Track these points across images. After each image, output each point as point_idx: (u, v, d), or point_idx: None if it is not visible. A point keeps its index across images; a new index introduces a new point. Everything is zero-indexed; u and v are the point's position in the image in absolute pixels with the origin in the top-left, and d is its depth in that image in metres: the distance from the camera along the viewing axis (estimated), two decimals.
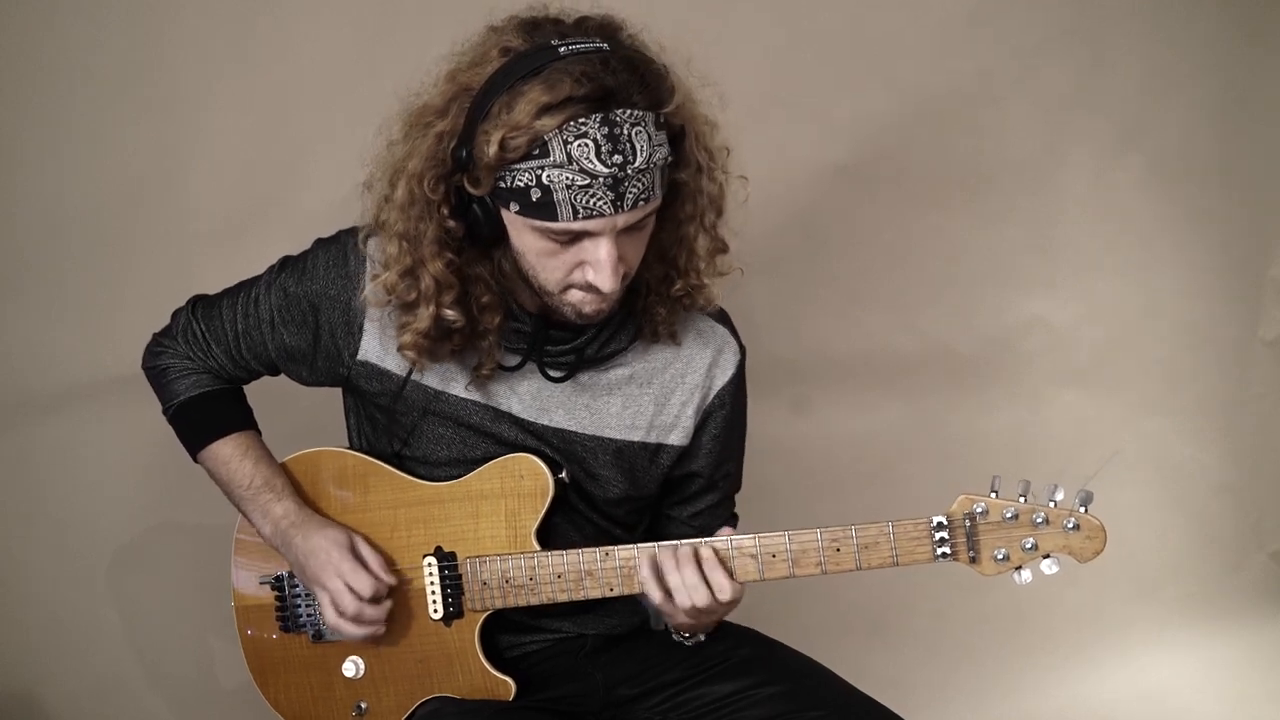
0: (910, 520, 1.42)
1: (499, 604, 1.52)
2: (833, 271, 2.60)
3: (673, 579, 1.43)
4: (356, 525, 1.57)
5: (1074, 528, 1.39)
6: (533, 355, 1.49)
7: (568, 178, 1.27)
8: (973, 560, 1.42)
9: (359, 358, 1.52)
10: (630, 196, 1.29)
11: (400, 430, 1.55)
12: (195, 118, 2.21)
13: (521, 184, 1.29)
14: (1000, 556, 1.40)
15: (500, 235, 1.37)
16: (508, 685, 1.53)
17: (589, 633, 1.62)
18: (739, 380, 1.60)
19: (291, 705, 1.61)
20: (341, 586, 1.48)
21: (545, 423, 1.53)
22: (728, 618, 1.63)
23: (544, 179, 1.27)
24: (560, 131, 1.25)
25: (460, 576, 1.53)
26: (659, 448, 1.57)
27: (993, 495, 1.41)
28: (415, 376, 1.51)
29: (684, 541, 1.46)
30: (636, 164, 1.27)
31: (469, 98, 1.31)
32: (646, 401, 1.55)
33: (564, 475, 1.53)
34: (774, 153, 2.43)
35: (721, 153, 1.43)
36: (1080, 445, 2.66)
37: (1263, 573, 2.85)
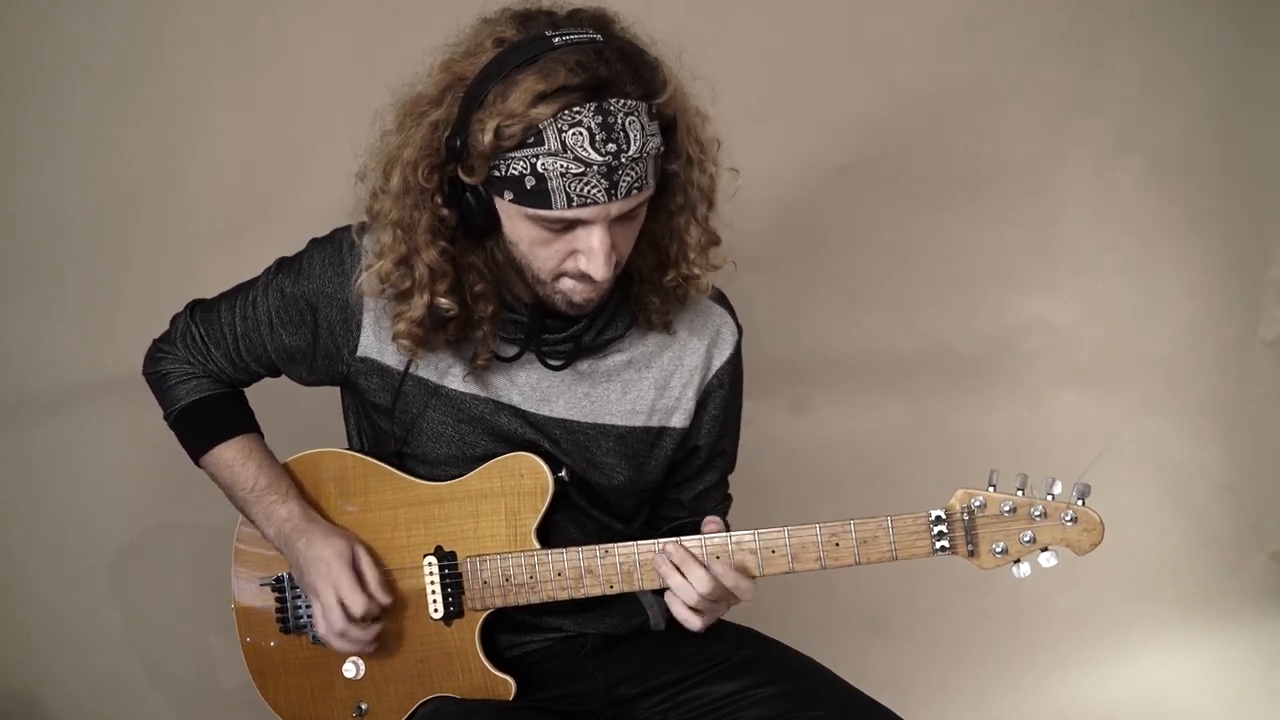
0: (909, 515, 1.42)
1: (499, 603, 1.52)
2: (833, 271, 2.60)
3: (674, 580, 1.44)
4: (357, 525, 1.57)
5: (1072, 520, 1.40)
6: (530, 345, 1.50)
7: (562, 166, 1.28)
8: (971, 554, 1.42)
9: (358, 354, 1.53)
10: (624, 185, 1.30)
11: (399, 428, 1.55)
12: (195, 118, 2.21)
13: (516, 172, 1.30)
14: (999, 550, 1.41)
15: (493, 224, 1.38)
16: (508, 684, 1.53)
17: (589, 632, 1.62)
18: (736, 360, 1.61)
19: (291, 707, 1.61)
20: (334, 601, 1.48)
21: (546, 413, 1.53)
22: (727, 617, 1.63)
23: (538, 167, 1.28)
24: (555, 120, 1.26)
25: (460, 576, 1.53)
26: (661, 431, 1.57)
27: (991, 489, 1.42)
28: (412, 370, 1.51)
29: (688, 539, 1.46)
30: (630, 153, 1.29)
31: (463, 87, 1.32)
32: (646, 386, 1.56)
33: (563, 474, 1.53)
34: (774, 153, 2.44)
35: (712, 145, 1.45)
36: (1080, 445, 2.66)
37: (1263, 573, 2.85)
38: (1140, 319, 2.74)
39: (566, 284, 1.40)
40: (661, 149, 1.35)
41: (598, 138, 1.27)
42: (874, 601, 2.66)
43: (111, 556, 2.32)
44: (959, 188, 2.60)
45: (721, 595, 1.44)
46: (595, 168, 1.28)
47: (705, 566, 1.43)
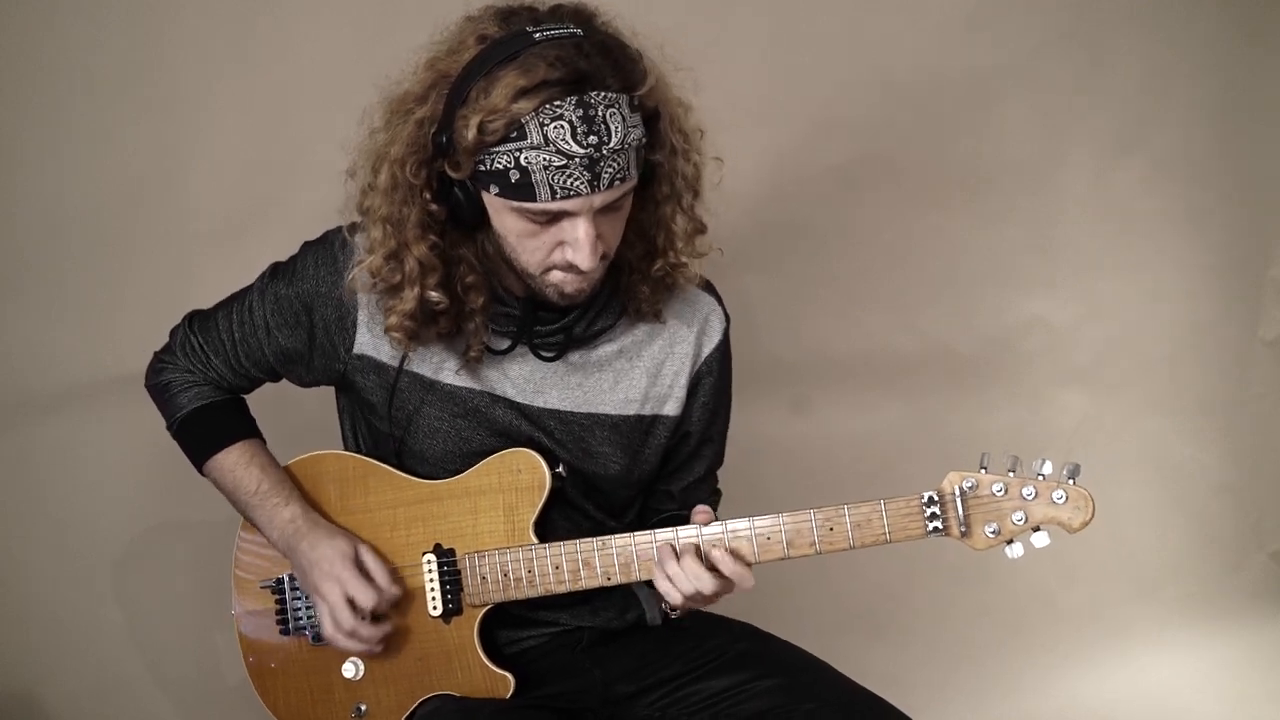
0: (902, 498, 1.43)
1: (498, 598, 1.52)
2: (833, 271, 2.60)
3: (671, 568, 1.44)
4: (358, 526, 1.58)
5: (1063, 499, 1.40)
6: (523, 338, 1.51)
7: (545, 159, 1.29)
8: (963, 535, 1.42)
9: (355, 351, 1.54)
10: (606, 176, 1.31)
11: (396, 426, 1.55)
12: (195, 118, 2.21)
13: (500, 166, 1.32)
14: (991, 531, 1.41)
15: (482, 218, 1.40)
16: (507, 681, 1.53)
17: (585, 625, 1.62)
18: (725, 347, 1.63)
19: (290, 709, 1.61)
20: (340, 599, 1.49)
21: (540, 404, 1.54)
22: (725, 612, 1.64)
23: (522, 160, 1.30)
24: (536, 114, 1.28)
25: (459, 573, 1.53)
26: (655, 419, 1.59)
27: (982, 471, 1.42)
28: (407, 366, 1.52)
29: (682, 531, 1.46)
30: (611, 144, 1.30)
31: (447, 84, 1.34)
32: (639, 375, 1.57)
33: (561, 470, 1.54)
34: (774, 153, 2.44)
35: (696, 134, 1.46)
36: (1080, 445, 2.67)
37: (1263, 573, 2.85)
38: (1140, 319, 2.74)
39: (556, 276, 1.42)
40: (644, 140, 1.37)
41: (579, 130, 1.28)
42: (874, 601, 2.66)
43: (111, 556, 2.32)
44: (959, 188, 2.60)
45: (721, 587, 1.44)
46: (577, 160, 1.29)
47: (703, 559, 1.44)
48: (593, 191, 1.32)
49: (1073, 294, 2.70)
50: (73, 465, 2.28)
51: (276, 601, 1.61)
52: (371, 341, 1.53)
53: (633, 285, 1.52)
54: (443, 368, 1.53)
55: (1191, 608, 2.76)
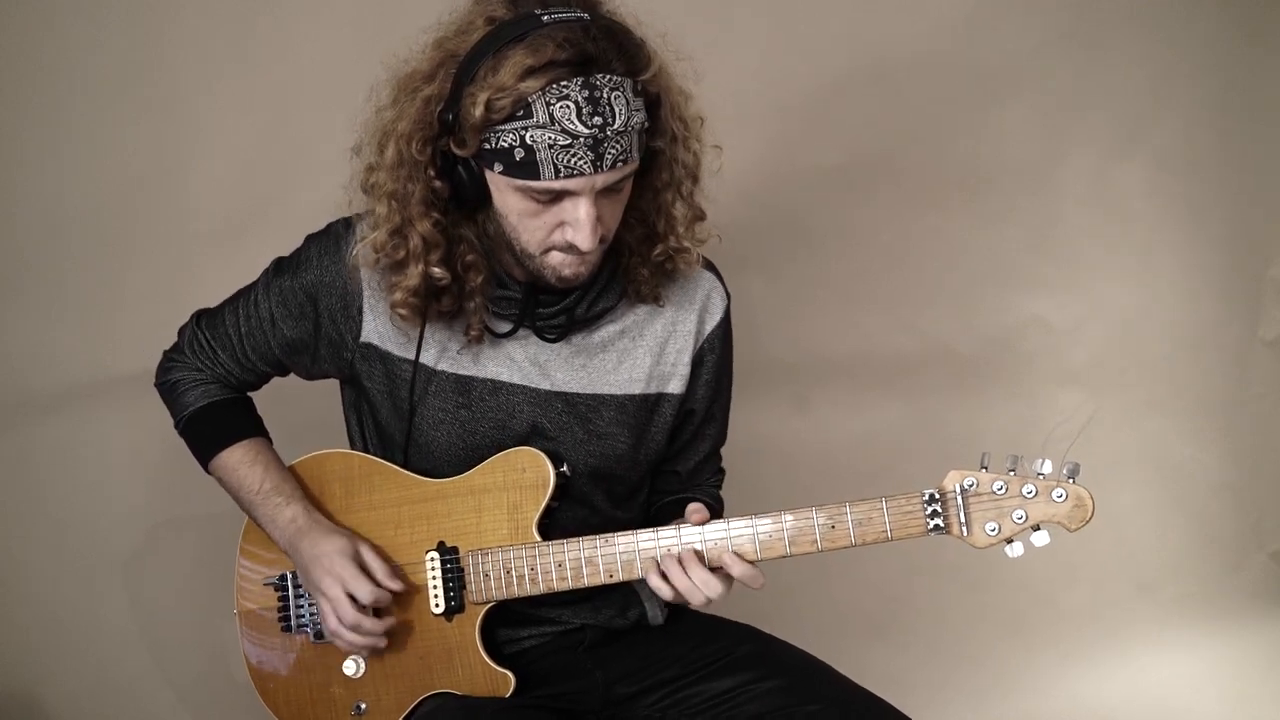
0: (903, 495, 1.43)
1: (500, 596, 1.52)
2: (832, 272, 2.60)
3: (681, 582, 1.45)
4: (362, 524, 1.58)
5: (1062, 498, 1.41)
6: (525, 320, 1.52)
7: (550, 137, 1.31)
8: (964, 533, 1.42)
9: (361, 339, 1.55)
10: (609, 157, 1.33)
11: (401, 418, 1.56)
12: (195, 118, 2.22)
13: (505, 144, 1.34)
14: (991, 529, 1.42)
15: (484, 197, 1.42)
16: (507, 679, 1.53)
17: (586, 624, 1.62)
18: (726, 325, 1.64)
19: (290, 707, 1.62)
20: (341, 594, 1.49)
21: (546, 387, 1.55)
22: (727, 615, 1.65)
23: (527, 139, 1.32)
24: (543, 93, 1.30)
25: (462, 570, 1.54)
26: (660, 397, 1.60)
27: (982, 470, 1.43)
28: (408, 355, 1.53)
29: (685, 532, 1.46)
30: (615, 126, 1.32)
31: (455, 63, 1.37)
32: (642, 353, 1.58)
33: (565, 468, 1.54)
34: (774, 153, 2.44)
35: (696, 122, 1.48)
36: (1080, 445, 2.66)
37: (1263, 573, 2.85)
38: (1140, 319, 2.74)
39: (555, 257, 1.43)
40: (646, 124, 1.39)
41: (584, 111, 1.31)
42: (874, 601, 2.66)
43: (111, 556, 2.33)
44: (958, 188, 2.60)
45: (731, 587, 1.45)
46: (582, 140, 1.31)
47: (707, 563, 1.45)
48: (596, 171, 1.34)
49: (1073, 294, 2.70)
50: (73, 465, 2.28)
51: (279, 599, 1.61)
52: (377, 330, 1.54)
53: (632, 268, 1.54)
54: (446, 356, 1.54)
55: (1191, 607, 2.76)
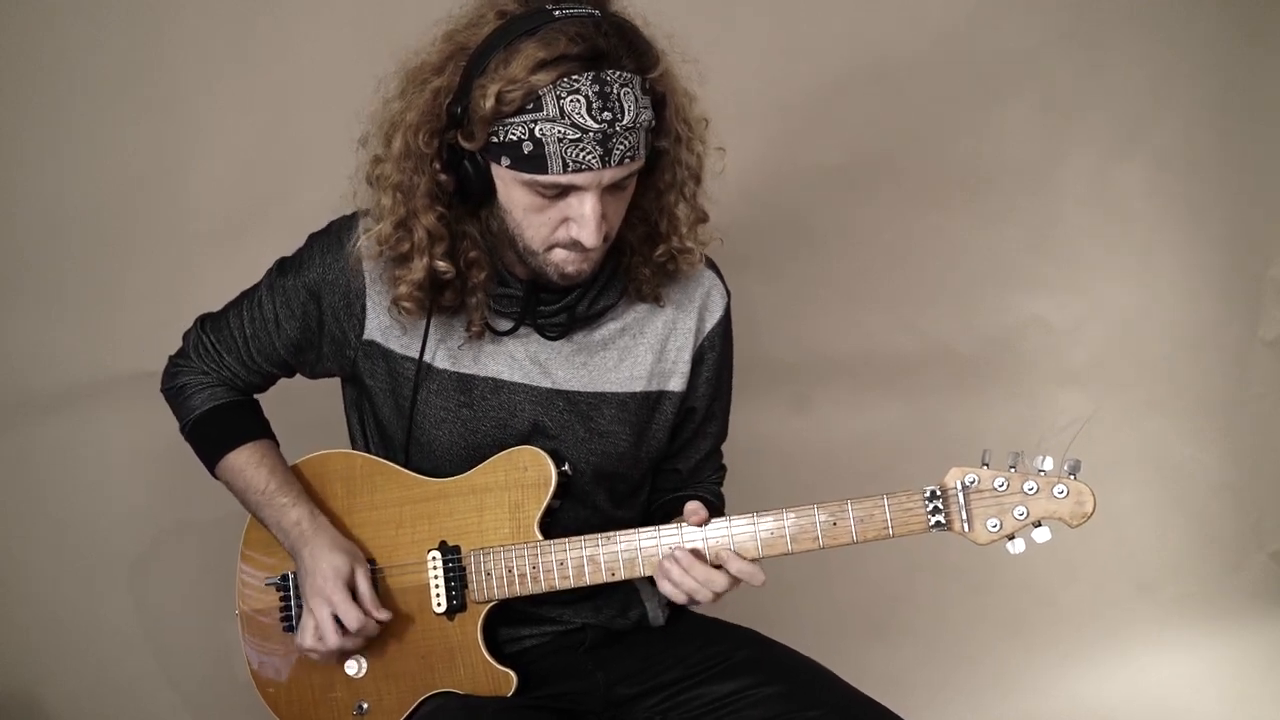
0: (904, 493, 1.44)
1: (502, 594, 1.52)
2: (833, 272, 2.60)
3: (685, 582, 1.45)
4: (364, 524, 1.58)
5: (1064, 494, 1.41)
6: (526, 318, 1.52)
7: (559, 131, 1.32)
8: (965, 530, 1.43)
9: (365, 337, 1.55)
10: (617, 153, 1.34)
11: (402, 416, 1.56)
12: (195, 118, 2.22)
13: (514, 137, 1.34)
14: (993, 526, 1.42)
15: (489, 192, 1.42)
16: (509, 678, 1.53)
17: (587, 624, 1.62)
18: (727, 322, 1.64)
19: (292, 707, 1.61)
20: (328, 616, 1.49)
21: (547, 386, 1.55)
22: (728, 618, 1.66)
23: (536, 132, 1.32)
24: (554, 87, 1.31)
25: (464, 569, 1.54)
26: (661, 395, 1.60)
27: (984, 467, 1.43)
28: (409, 353, 1.53)
29: (686, 531, 1.46)
30: (624, 122, 1.33)
31: (465, 56, 1.37)
32: (643, 351, 1.58)
33: (566, 467, 1.54)
34: (775, 153, 2.44)
35: (700, 124, 1.49)
36: (1081, 445, 2.66)
37: (1263, 573, 2.85)
38: (1140, 319, 2.74)
39: (558, 254, 1.43)
40: (653, 123, 1.39)
41: (594, 106, 1.31)
42: (874, 601, 2.66)
43: (112, 556, 2.32)
44: (959, 188, 2.60)
45: (731, 584, 1.45)
46: (591, 134, 1.31)
47: (709, 561, 1.45)
48: (604, 167, 1.34)
49: (1073, 294, 2.70)
50: (73, 465, 2.28)
51: (281, 599, 1.61)
52: (380, 328, 1.54)
53: (634, 267, 1.54)
54: (448, 354, 1.54)
55: (1191, 607, 2.76)
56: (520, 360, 1.55)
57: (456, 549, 1.54)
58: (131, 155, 2.21)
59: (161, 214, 2.24)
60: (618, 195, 1.41)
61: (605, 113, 1.31)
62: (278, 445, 1.66)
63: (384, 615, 1.52)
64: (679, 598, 1.47)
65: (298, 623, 1.60)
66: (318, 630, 1.50)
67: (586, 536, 1.50)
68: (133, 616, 2.33)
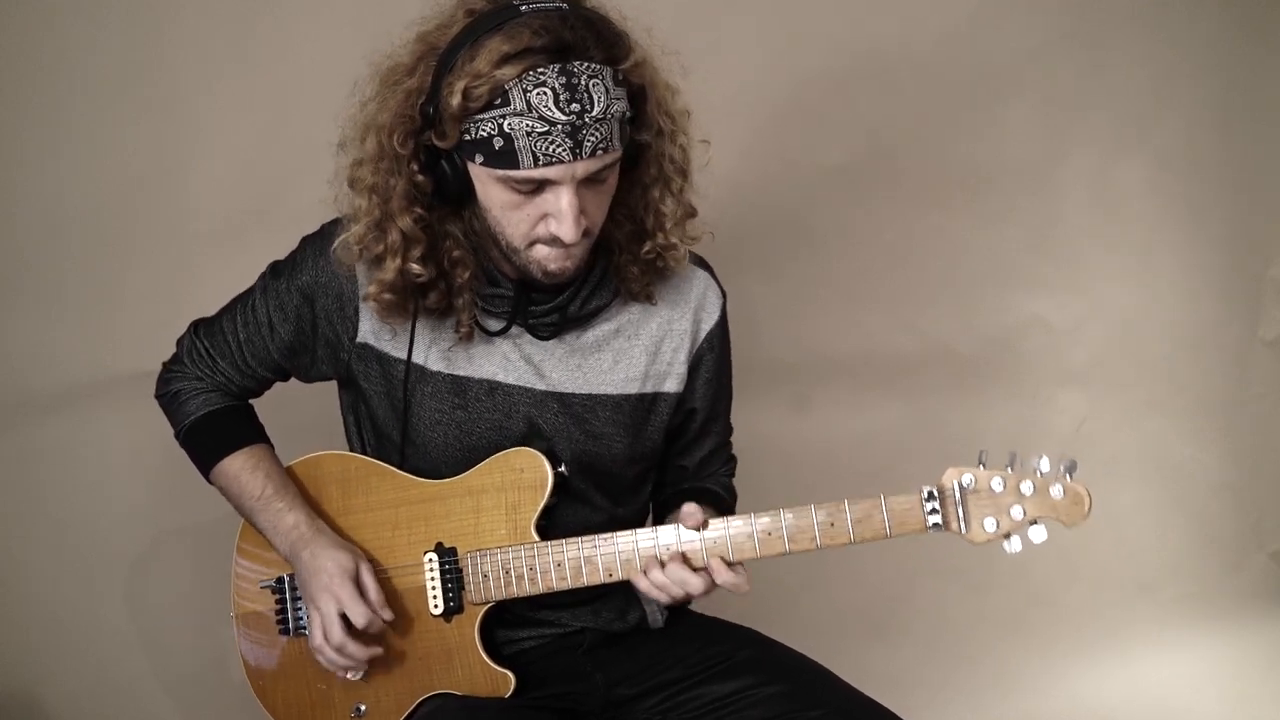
0: (902, 493, 1.44)
1: (499, 596, 1.52)
2: (833, 272, 2.60)
3: (657, 578, 1.46)
4: (359, 525, 1.58)
5: (1060, 494, 1.41)
6: (517, 319, 1.52)
7: (527, 125, 1.31)
8: (963, 530, 1.43)
9: (358, 340, 1.55)
10: (588, 144, 1.33)
11: (398, 418, 1.56)
12: (195, 118, 2.22)
13: (484, 134, 1.33)
14: (990, 526, 1.42)
15: (467, 191, 1.41)
16: (507, 679, 1.53)
17: (586, 626, 1.62)
18: (723, 323, 1.64)
19: (289, 709, 1.61)
20: (334, 613, 1.49)
21: (541, 388, 1.55)
22: (728, 618, 1.66)
23: (505, 127, 1.32)
24: (520, 80, 1.31)
25: (461, 571, 1.54)
26: (656, 397, 1.60)
27: (980, 467, 1.43)
28: (403, 355, 1.53)
29: (684, 534, 1.47)
30: (594, 113, 1.32)
31: (435, 56, 1.37)
32: (638, 353, 1.58)
33: (563, 468, 1.54)
34: (776, 153, 2.44)
35: (683, 116, 1.48)
36: (1080, 444, 2.67)
37: (1263, 573, 2.85)
38: (1140, 319, 2.74)
39: (540, 251, 1.42)
40: (629, 115, 1.38)
41: (561, 98, 1.30)
42: (874, 602, 2.66)
43: (112, 556, 2.32)
44: (959, 188, 2.60)
45: (710, 585, 1.46)
46: (560, 127, 1.31)
47: (696, 568, 1.46)
48: (575, 159, 1.33)
49: (1073, 294, 2.70)
50: (73, 465, 2.28)
51: (276, 602, 1.61)
52: (372, 330, 1.54)
53: (622, 266, 1.53)
54: (441, 356, 1.54)
55: (1191, 607, 2.77)
56: (514, 362, 1.54)
57: (453, 550, 1.54)
58: (131, 155, 2.21)
59: (161, 214, 2.24)
60: (597, 189, 1.40)
61: (574, 104, 1.30)
62: (273, 450, 1.66)
63: (389, 614, 1.52)
64: (660, 597, 1.47)
65: (294, 626, 1.60)
66: (324, 628, 1.49)
67: (584, 538, 1.50)
68: (132, 617, 2.34)
